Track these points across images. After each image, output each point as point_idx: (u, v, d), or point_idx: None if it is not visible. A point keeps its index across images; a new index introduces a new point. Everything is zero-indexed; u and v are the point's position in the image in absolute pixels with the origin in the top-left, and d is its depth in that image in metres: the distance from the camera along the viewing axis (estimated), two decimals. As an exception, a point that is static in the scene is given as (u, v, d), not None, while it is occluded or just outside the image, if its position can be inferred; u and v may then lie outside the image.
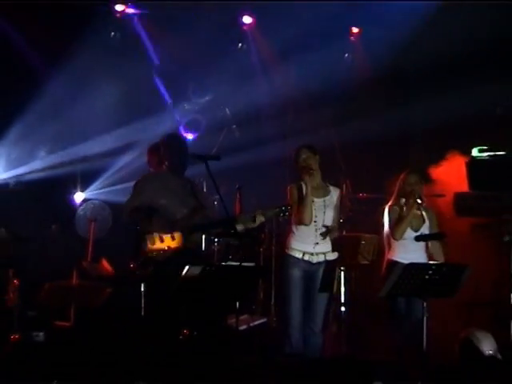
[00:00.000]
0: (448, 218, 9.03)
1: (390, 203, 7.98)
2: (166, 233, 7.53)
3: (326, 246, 7.66)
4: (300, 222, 7.61)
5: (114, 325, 7.97)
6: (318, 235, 7.65)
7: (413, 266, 7.39)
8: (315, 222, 7.62)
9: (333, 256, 7.73)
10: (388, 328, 7.95)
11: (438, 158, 9.87)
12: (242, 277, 7.41)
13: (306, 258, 7.59)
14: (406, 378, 6.16)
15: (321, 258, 7.65)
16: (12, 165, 10.40)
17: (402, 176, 7.97)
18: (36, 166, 10.41)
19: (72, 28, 9.99)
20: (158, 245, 7.48)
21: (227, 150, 9.76)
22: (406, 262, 7.37)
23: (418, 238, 7.91)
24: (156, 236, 7.45)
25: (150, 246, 7.47)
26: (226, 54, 10.73)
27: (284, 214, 7.53)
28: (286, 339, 7.54)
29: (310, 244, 7.62)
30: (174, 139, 7.95)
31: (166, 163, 7.75)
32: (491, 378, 5.19)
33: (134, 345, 7.30)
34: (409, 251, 7.79)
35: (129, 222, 7.72)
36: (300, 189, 7.65)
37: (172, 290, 7.17)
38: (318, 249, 7.65)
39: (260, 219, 7.52)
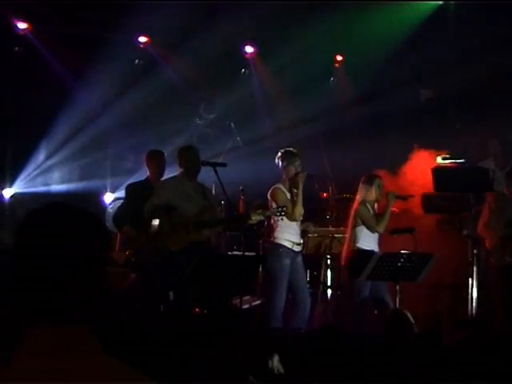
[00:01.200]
0: (417, 215, 9.04)
1: (357, 202, 7.98)
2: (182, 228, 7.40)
3: (300, 237, 7.82)
4: (294, 219, 7.57)
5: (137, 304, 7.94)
6: (299, 228, 7.75)
7: (388, 254, 7.55)
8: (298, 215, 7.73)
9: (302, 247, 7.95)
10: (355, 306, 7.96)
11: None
12: (244, 264, 7.68)
13: (294, 248, 7.64)
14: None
15: (299, 248, 7.79)
16: (63, 177, 10.30)
17: (366, 180, 7.98)
18: (76, 175, 10.25)
19: (101, 55, 9.73)
20: (174, 238, 7.44)
21: (232, 158, 9.68)
22: (366, 247, 7.84)
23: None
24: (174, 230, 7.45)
25: (168, 238, 7.44)
26: (231, 78, 10.70)
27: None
28: (273, 317, 7.53)
29: (296, 235, 7.70)
30: (189, 150, 7.91)
31: (182, 170, 7.71)
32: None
33: (155, 320, 7.31)
34: (372, 242, 7.89)
35: (149, 217, 7.55)
36: (289, 190, 7.67)
37: (187, 275, 7.21)
38: (299, 240, 7.78)
39: (258, 218, 7.41)
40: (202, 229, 7.55)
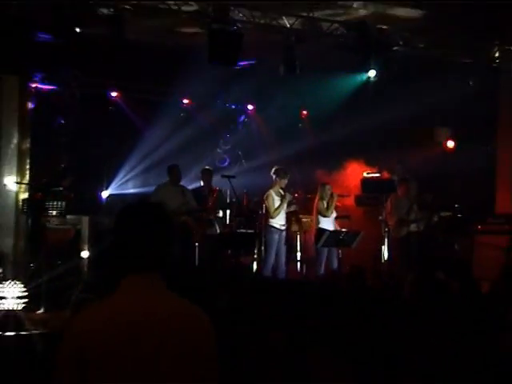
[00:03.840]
0: (351, 207, 9.05)
1: (317, 200, 8.13)
2: None
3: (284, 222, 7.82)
4: (272, 217, 7.63)
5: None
6: (284, 217, 7.78)
7: (334, 231, 7.91)
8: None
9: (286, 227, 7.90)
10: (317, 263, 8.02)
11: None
12: (247, 237, 8.10)
13: (280, 227, 7.71)
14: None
15: (283, 227, 7.79)
16: (125, 183, 9.83)
17: (320, 187, 8.16)
18: (146, 182, 9.79)
19: (160, 111, 9.67)
20: None
21: (240, 173, 9.68)
22: (325, 227, 7.94)
23: (336, 218, 8.19)
24: None
25: None
26: (239, 124, 10.69)
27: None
28: (265, 270, 7.59)
29: (282, 221, 7.75)
30: (174, 168, 7.97)
31: (169, 179, 7.90)
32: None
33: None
34: (327, 223, 8.09)
35: None
36: (277, 194, 7.68)
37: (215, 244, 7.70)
38: (283, 223, 7.80)
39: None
40: (182, 215, 7.62)
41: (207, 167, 8.71)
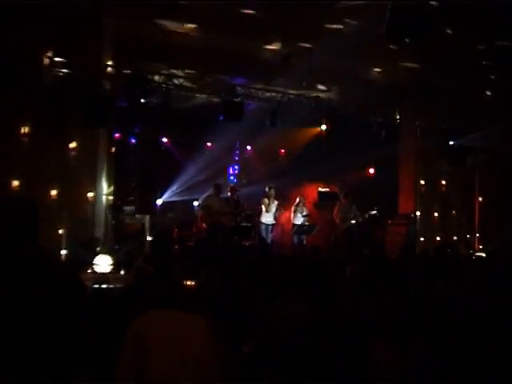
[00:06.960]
0: (311, 209, 8.90)
1: (293, 206, 8.43)
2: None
3: (272, 219, 8.07)
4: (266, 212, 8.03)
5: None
6: (272, 216, 8.00)
7: (300, 225, 8.17)
8: (270, 211, 8.04)
9: (274, 222, 8.16)
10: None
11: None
12: (247, 229, 7.98)
13: (267, 222, 8.03)
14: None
15: (270, 222, 8.05)
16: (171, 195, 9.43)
17: (297, 198, 8.47)
18: (186, 193, 9.40)
19: (191, 150, 9.50)
20: (209, 218, 7.50)
21: (243, 188, 9.04)
22: (296, 222, 8.20)
23: (304, 216, 8.37)
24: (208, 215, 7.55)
25: (206, 218, 7.63)
26: (242, 157, 10.52)
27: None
28: (262, 248, 7.76)
29: (268, 218, 8.01)
30: (216, 185, 7.95)
31: (213, 191, 7.85)
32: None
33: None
34: (297, 219, 8.31)
35: (200, 210, 7.78)
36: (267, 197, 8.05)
37: (226, 234, 7.58)
38: (271, 221, 8.11)
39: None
40: (222, 216, 7.57)
41: (232, 185, 8.75)
